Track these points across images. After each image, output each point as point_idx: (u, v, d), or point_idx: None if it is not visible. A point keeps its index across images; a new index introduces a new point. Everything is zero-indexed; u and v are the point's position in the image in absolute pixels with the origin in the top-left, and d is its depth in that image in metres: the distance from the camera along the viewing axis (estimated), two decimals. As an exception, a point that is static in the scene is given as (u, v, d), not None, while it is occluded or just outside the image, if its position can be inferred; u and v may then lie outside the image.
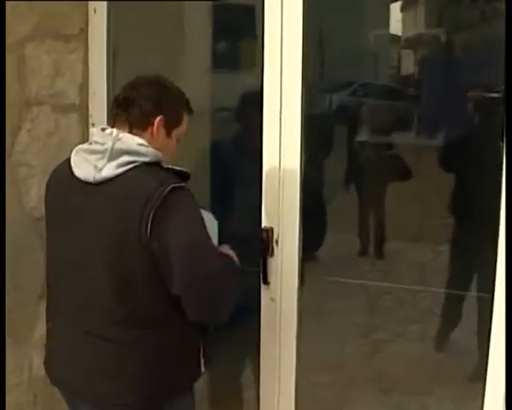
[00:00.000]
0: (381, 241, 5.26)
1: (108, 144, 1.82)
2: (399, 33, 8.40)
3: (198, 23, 3.53)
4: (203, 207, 1.95)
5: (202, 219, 1.86)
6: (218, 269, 1.83)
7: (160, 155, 1.87)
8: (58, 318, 1.98)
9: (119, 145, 1.82)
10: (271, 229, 2.29)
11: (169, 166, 1.90)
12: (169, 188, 1.77)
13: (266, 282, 2.32)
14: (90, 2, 2.56)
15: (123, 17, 2.94)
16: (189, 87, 3.39)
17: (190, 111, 2.01)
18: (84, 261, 1.86)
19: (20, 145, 2.37)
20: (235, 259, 2.00)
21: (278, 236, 2.30)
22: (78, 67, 2.55)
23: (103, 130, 1.91)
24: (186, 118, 2.00)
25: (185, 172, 1.93)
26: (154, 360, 1.85)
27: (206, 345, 1.99)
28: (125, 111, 1.90)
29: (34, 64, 2.39)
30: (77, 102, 2.56)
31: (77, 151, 1.92)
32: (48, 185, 2.01)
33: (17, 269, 2.37)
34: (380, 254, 5.27)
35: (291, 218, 2.29)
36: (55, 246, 1.98)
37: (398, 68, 8.63)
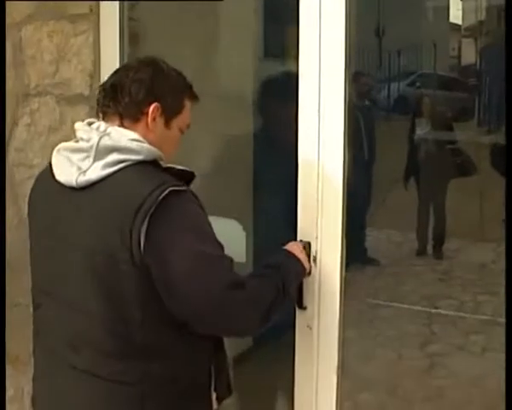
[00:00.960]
0: (440, 240, 4.88)
1: (94, 140, 1.52)
2: (460, 22, 7.99)
3: (237, 7, 3.19)
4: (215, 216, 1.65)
5: (208, 227, 1.55)
6: (228, 286, 1.50)
7: (156, 152, 1.56)
8: (42, 348, 1.68)
9: (106, 141, 1.52)
10: (308, 244, 1.92)
11: (169, 165, 1.58)
12: (166, 192, 1.46)
13: (302, 306, 1.95)
14: (101, -24, 2.22)
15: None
16: (230, 77, 3.13)
17: (194, 97, 1.69)
18: (67, 284, 1.57)
19: (17, 142, 2.07)
20: (304, 262, 1.80)
21: (316, 252, 1.92)
22: (88, 53, 2.20)
23: (90, 124, 1.61)
24: (189, 105, 1.68)
25: (189, 173, 1.62)
26: (152, 404, 1.53)
27: (219, 376, 1.68)
28: (113, 100, 1.59)
29: (33, 49, 2.08)
30: (86, 93, 2.22)
31: (58, 150, 1.62)
32: (29, 195, 1.72)
33: (15, 286, 2.07)
34: (439, 254, 4.89)
35: (332, 230, 1.91)
36: (37, 266, 1.69)
37: (459, 58, 8.22)
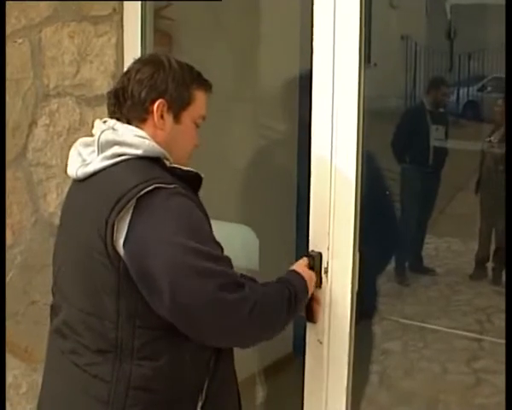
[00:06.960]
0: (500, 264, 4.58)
1: (98, 134, 1.51)
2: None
3: (279, 10, 3.10)
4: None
5: (200, 224, 1.47)
6: (211, 293, 1.38)
7: (158, 149, 1.50)
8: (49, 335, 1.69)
9: (108, 135, 1.50)
10: (319, 254, 1.84)
11: (175, 165, 1.52)
12: (149, 188, 1.40)
13: (311, 319, 1.87)
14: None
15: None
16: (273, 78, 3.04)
17: (206, 85, 1.62)
18: (62, 276, 1.60)
19: (35, 143, 2.07)
20: (306, 276, 1.69)
21: (328, 263, 1.84)
22: (110, 54, 2.19)
23: (105, 122, 1.58)
24: (201, 95, 1.61)
25: (194, 174, 1.54)
26: (119, 407, 1.45)
27: (211, 398, 1.54)
28: (118, 105, 1.56)
29: (54, 50, 2.07)
30: (107, 94, 2.21)
31: (75, 145, 1.61)
32: None
33: (32, 284, 2.09)
34: (498, 280, 4.59)
35: (343, 241, 1.83)
36: (53, 259, 1.68)
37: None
